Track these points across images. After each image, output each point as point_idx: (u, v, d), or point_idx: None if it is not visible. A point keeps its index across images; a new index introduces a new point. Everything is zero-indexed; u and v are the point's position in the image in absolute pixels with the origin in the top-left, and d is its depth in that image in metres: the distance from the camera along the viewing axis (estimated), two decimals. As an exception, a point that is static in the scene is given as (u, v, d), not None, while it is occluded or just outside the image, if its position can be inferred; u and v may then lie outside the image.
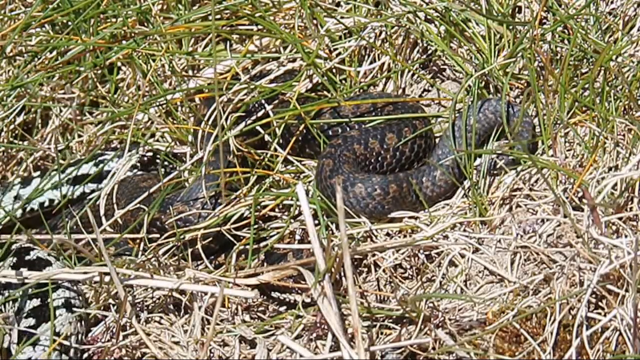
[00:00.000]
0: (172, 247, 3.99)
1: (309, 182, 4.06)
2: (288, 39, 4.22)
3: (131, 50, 4.31)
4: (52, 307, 3.67)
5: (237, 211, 3.98)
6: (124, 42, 4.36)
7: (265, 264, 3.89)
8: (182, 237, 3.97)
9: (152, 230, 4.02)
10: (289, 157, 4.14)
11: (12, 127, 4.49)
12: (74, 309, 3.74)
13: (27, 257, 3.90)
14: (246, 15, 4.29)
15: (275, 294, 3.85)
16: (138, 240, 4.02)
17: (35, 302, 3.75)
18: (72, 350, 3.69)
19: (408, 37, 4.31)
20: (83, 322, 3.76)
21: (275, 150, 4.14)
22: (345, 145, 4.00)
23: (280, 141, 4.17)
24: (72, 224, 4.15)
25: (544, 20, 4.25)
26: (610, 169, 3.81)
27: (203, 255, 3.97)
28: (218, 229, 3.97)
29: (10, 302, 3.81)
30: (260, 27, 4.33)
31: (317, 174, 3.96)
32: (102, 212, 4.18)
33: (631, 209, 3.67)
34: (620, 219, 3.62)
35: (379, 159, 4.03)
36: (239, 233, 3.98)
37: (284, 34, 4.23)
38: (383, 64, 4.32)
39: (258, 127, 4.16)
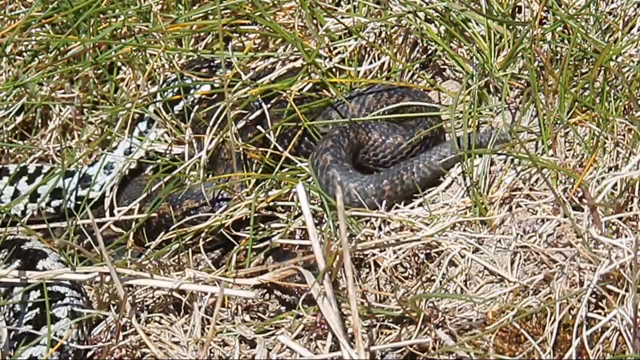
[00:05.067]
0: (175, 243, 3.99)
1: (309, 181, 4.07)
2: (288, 38, 4.22)
3: (131, 49, 4.31)
4: (49, 308, 3.67)
5: (238, 210, 3.98)
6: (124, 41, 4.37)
7: (268, 261, 3.90)
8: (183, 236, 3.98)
9: (162, 223, 4.03)
10: (289, 156, 4.14)
11: (12, 126, 4.48)
12: (76, 309, 3.74)
13: (22, 247, 3.91)
14: (246, 14, 4.29)
15: (278, 292, 3.86)
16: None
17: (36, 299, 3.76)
18: (72, 351, 3.70)
19: (408, 37, 4.32)
20: (84, 323, 3.77)
21: (276, 148, 4.14)
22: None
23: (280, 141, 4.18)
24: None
25: (544, 20, 4.26)
26: (610, 169, 3.81)
27: (204, 254, 3.97)
28: (215, 220, 3.97)
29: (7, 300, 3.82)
30: (260, 26, 4.33)
31: (316, 152, 4.01)
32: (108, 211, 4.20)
33: (631, 209, 3.67)
34: (620, 219, 3.62)
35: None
36: (239, 234, 3.98)
37: (284, 34, 4.23)
38: (383, 64, 4.32)
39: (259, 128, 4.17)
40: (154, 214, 4.04)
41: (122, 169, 4.25)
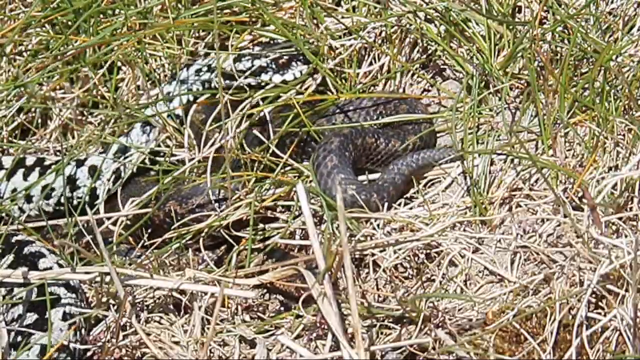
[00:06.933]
0: (175, 242, 3.99)
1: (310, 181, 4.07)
2: (290, 38, 4.22)
3: (131, 47, 4.31)
4: (50, 310, 3.67)
5: (236, 211, 3.98)
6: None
7: (267, 261, 3.90)
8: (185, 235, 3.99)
9: (167, 222, 4.03)
10: (289, 159, 4.14)
11: (12, 126, 4.48)
12: (74, 309, 3.75)
13: (24, 252, 3.92)
14: (246, 8, 4.29)
15: (277, 292, 3.86)
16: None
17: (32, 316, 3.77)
18: (73, 351, 3.70)
19: (408, 37, 4.32)
20: (84, 323, 3.77)
21: (274, 152, 4.13)
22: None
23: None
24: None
25: (544, 20, 4.26)
26: (610, 169, 3.81)
27: (204, 254, 3.97)
28: (217, 219, 3.97)
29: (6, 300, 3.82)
30: (263, 26, 4.34)
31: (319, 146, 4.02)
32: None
33: (631, 209, 3.67)
34: (620, 219, 3.62)
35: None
36: (239, 234, 3.98)
37: (286, 33, 4.23)
38: (383, 64, 4.32)
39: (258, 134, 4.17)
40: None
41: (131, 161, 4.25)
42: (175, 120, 4.27)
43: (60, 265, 3.87)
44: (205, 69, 4.30)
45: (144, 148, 4.23)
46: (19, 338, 3.67)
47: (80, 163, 4.25)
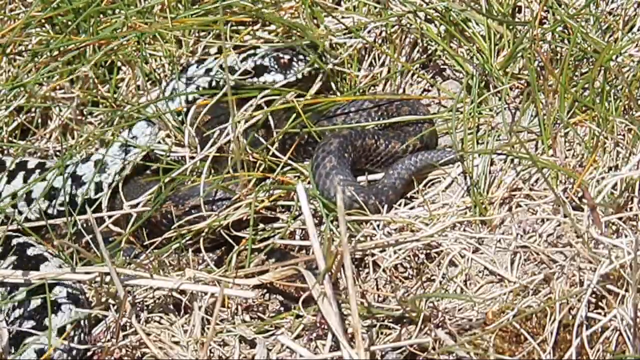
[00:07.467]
0: (175, 242, 3.99)
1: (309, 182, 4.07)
2: (301, 28, 4.22)
3: (132, 45, 4.31)
4: (50, 307, 3.67)
5: (239, 210, 3.99)
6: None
7: (267, 261, 3.90)
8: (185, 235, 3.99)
9: (164, 222, 4.03)
10: (289, 160, 4.14)
11: (12, 126, 4.48)
12: (77, 308, 3.75)
13: (27, 253, 3.92)
14: (248, 8, 4.29)
15: (277, 292, 3.87)
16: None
17: (37, 301, 3.76)
18: (73, 351, 3.69)
19: (408, 37, 4.32)
20: (85, 322, 3.77)
21: (274, 154, 4.13)
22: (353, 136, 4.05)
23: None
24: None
25: (544, 20, 4.26)
26: (610, 169, 3.81)
27: (204, 254, 3.97)
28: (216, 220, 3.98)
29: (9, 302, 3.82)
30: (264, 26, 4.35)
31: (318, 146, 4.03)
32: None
33: (631, 209, 3.67)
34: (620, 219, 3.62)
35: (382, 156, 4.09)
36: (239, 234, 3.98)
37: (290, 23, 4.23)
38: (383, 64, 4.32)
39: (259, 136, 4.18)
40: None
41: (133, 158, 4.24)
42: (176, 119, 4.27)
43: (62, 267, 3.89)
44: (212, 66, 4.30)
45: (146, 144, 4.23)
46: (26, 325, 3.68)
47: (84, 160, 4.26)
